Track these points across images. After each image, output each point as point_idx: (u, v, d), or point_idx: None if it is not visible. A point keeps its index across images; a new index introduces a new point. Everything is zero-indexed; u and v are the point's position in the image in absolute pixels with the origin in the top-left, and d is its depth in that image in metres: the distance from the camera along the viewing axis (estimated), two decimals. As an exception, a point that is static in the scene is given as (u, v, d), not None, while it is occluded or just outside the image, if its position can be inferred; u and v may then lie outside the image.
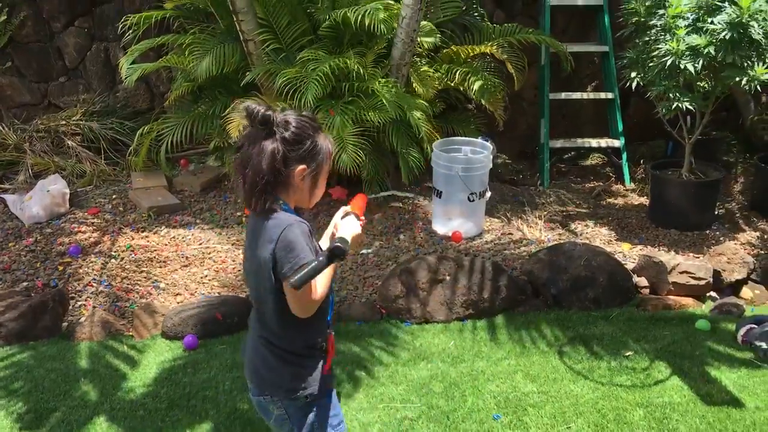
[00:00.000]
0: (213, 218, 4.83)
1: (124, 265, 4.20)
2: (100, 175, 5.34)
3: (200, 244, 4.49)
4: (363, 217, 2.04)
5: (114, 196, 5.07)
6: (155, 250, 4.38)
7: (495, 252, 4.36)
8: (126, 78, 4.93)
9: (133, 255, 4.32)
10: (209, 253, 4.37)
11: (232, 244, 4.48)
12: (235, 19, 4.55)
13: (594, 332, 3.58)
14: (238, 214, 4.87)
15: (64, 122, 5.49)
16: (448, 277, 3.76)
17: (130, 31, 4.99)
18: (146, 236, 4.56)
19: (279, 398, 1.98)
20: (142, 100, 5.89)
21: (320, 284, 1.85)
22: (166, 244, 4.47)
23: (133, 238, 4.53)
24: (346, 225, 1.95)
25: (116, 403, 3.05)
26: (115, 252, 4.34)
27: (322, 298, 1.87)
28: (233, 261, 4.30)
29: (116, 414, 2.98)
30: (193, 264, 4.26)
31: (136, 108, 5.87)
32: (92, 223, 4.71)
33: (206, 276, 4.14)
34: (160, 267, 4.21)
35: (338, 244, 1.80)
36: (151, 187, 5.10)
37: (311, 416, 2.00)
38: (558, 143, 5.66)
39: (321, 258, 1.77)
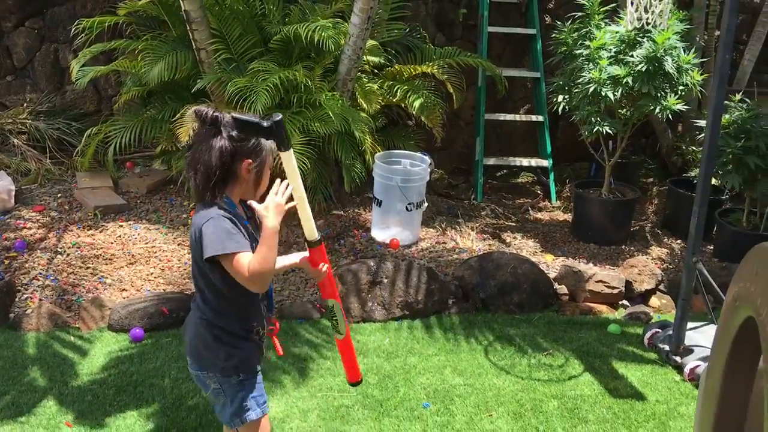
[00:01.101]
0: (159, 219, 4.97)
1: (71, 261, 4.31)
2: (45, 174, 5.40)
3: (146, 243, 4.62)
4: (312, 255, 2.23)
5: (59, 195, 5.15)
6: (101, 248, 4.49)
7: (430, 259, 4.65)
8: (77, 80, 5.04)
9: (79, 252, 4.42)
10: (155, 252, 4.51)
11: (178, 244, 4.64)
12: (188, 28, 4.73)
13: (517, 333, 3.89)
14: (184, 216, 5.02)
15: (10, 120, 5.53)
16: (386, 280, 4.02)
17: (83, 35, 5.12)
18: (92, 234, 4.66)
19: (214, 374, 2.21)
20: (89, 102, 5.97)
21: (257, 259, 1.99)
22: (112, 243, 4.59)
23: (79, 236, 4.63)
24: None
25: (64, 388, 3.18)
26: (61, 248, 4.43)
27: (264, 270, 2.00)
28: (179, 260, 4.45)
29: (65, 399, 3.10)
30: (139, 262, 4.39)
31: (84, 110, 5.94)
32: (38, 220, 4.78)
33: (152, 273, 4.28)
34: (107, 264, 4.33)
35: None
36: (97, 188, 5.20)
37: (242, 393, 2.23)
38: (491, 161, 6.01)
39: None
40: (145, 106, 5.38)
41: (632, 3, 4.18)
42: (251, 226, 2.18)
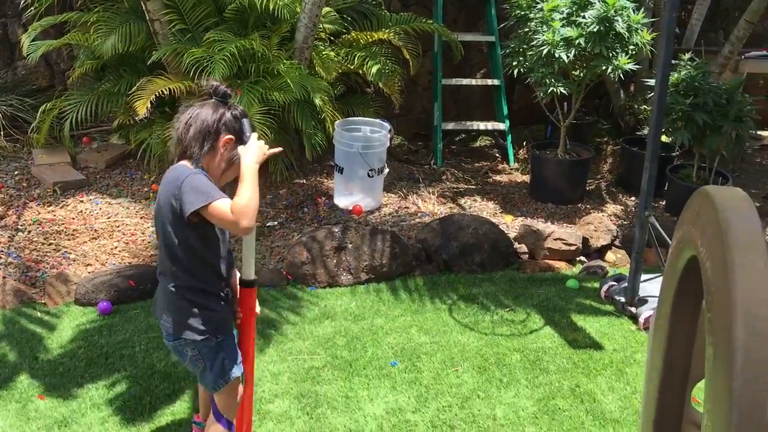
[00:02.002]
0: (120, 193, 4.94)
1: (32, 237, 4.27)
2: (0, 151, 5.31)
3: (108, 217, 4.60)
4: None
5: (16, 173, 5.08)
6: (63, 224, 4.47)
7: (393, 223, 4.73)
8: (29, 55, 4.94)
9: (40, 228, 4.39)
10: (118, 226, 4.50)
11: (141, 218, 4.63)
12: (141, -2, 4.68)
13: (479, 292, 4.01)
14: (145, 189, 5.00)
15: (-40, 98, 5.41)
16: (350, 245, 4.09)
17: (32, 8, 5.01)
18: (53, 210, 4.63)
19: (192, 341, 2.25)
20: (42, 77, 5.86)
21: (238, 197, 2.04)
22: (73, 218, 4.56)
23: (39, 213, 4.59)
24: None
25: (35, 363, 3.19)
26: (21, 225, 4.40)
27: (247, 206, 2.02)
28: (142, 233, 4.45)
29: (36, 373, 3.12)
30: (102, 236, 4.38)
31: (36, 85, 5.82)
32: (-5, 198, 4.73)
33: (116, 247, 4.28)
34: (69, 240, 4.31)
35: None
36: (54, 164, 5.14)
37: (221, 355, 2.29)
38: (450, 125, 6.09)
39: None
40: (100, 80, 5.31)
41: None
42: None
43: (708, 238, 1.20)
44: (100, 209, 4.69)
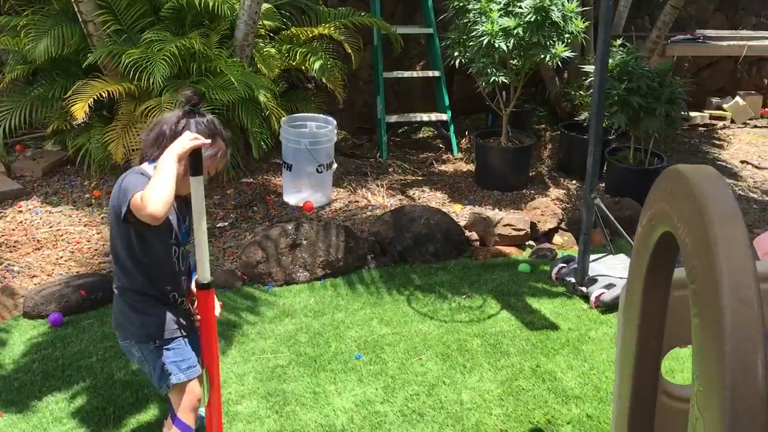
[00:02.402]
0: (60, 201, 4.79)
1: (-29, 252, 4.11)
2: (-72, 163, 5.07)
3: (51, 227, 4.46)
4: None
5: (-53, 185, 4.87)
6: (3, 236, 4.30)
7: (345, 218, 4.74)
8: (-46, 61, 4.74)
9: (-22, 242, 4.22)
10: (62, 235, 4.37)
11: (85, 225, 4.50)
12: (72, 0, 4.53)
13: (435, 281, 4.07)
14: (87, 195, 4.86)
15: None
16: (305, 242, 4.08)
17: (-44, 12, 4.79)
18: (-10, 223, 4.46)
19: (135, 343, 2.31)
20: (-33, 84, 5.61)
21: (149, 184, 2.02)
22: (13, 229, 4.40)
23: (-24, 226, 4.41)
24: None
25: (-13, 381, 3.08)
26: (-42, 240, 4.22)
27: (152, 194, 1.99)
28: (88, 241, 4.33)
29: (-10, 391, 3.02)
30: (46, 246, 4.24)
31: (-38, 93, 5.58)
32: (-73, 212, 4.51)
33: (62, 257, 4.15)
34: (11, 252, 4.16)
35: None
36: (-13, 174, 4.95)
37: (160, 359, 2.31)
38: (393, 118, 6.13)
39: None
40: (32, 85, 5.12)
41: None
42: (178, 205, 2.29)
43: (685, 214, 1.26)
44: (41, 219, 4.54)
